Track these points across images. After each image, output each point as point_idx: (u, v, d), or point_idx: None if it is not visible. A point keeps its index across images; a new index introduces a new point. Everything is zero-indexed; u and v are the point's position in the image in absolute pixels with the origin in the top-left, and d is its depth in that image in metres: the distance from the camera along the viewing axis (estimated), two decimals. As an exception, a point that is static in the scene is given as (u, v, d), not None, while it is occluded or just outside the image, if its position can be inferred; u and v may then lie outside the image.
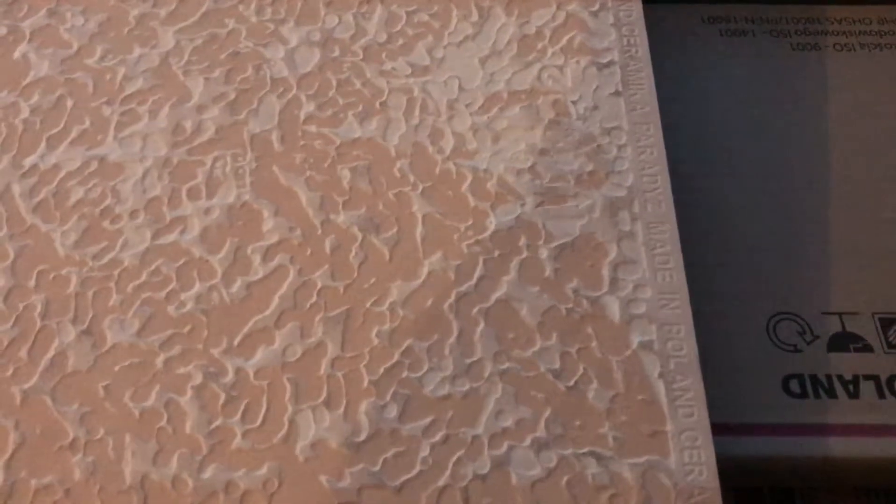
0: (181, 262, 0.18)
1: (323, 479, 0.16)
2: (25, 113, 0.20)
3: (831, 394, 0.19)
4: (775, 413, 0.19)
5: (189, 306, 0.18)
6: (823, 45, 0.25)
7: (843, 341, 0.20)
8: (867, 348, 0.20)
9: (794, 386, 0.19)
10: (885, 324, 0.20)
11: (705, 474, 0.16)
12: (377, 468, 0.16)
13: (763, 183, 0.22)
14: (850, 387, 0.19)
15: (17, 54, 0.21)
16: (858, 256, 0.21)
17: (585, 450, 0.17)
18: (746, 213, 0.22)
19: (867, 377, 0.19)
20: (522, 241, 0.19)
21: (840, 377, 0.19)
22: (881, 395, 0.19)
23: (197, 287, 0.18)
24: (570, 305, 0.18)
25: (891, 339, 0.20)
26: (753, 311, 0.20)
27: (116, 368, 0.17)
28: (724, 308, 0.20)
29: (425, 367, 0.17)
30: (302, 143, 0.20)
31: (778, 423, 0.19)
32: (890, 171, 0.23)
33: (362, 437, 0.17)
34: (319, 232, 0.19)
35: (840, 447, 0.19)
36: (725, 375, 0.20)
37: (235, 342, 0.18)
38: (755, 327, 0.20)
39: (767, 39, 0.25)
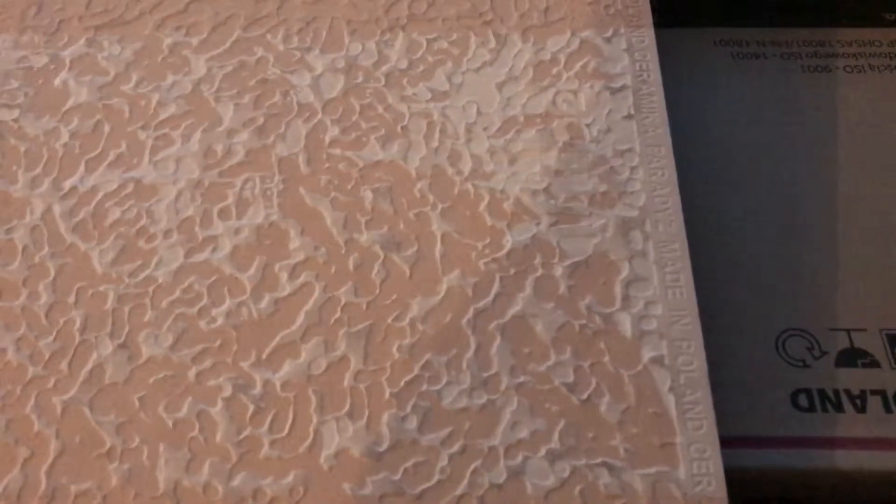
0: (212, 279, 0.19)
1: (346, 486, 0.17)
2: (65, 137, 0.21)
3: (839, 408, 0.20)
4: (784, 426, 0.20)
5: (220, 321, 0.19)
6: (833, 67, 0.25)
7: (850, 357, 0.20)
8: (874, 364, 0.20)
9: (803, 400, 0.20)
10: (892, 340, 0.21)
11: (714, 485, 0.17)
12: (398, 477, 0.17)
13: (773, 202, 0.23)
14: (858, 401, 0.20)
15: (57, 82, 0.22)
16: (866, 274, 0.22)
17: (598, 460, 0.17)
18: (756, 232, 0.22)
19: (874, 392, 0.20)
20: (538, 260, 0.19)
21: (847, 392, 0.20)
22: (888, 410, 0.20)
23: (227, 303, 0.19)
24: (584, 321, 0.19)
25: (898, 354, 0.20)
26: (763, 328, 0.21)
27: (151, 381, 0.18)
28: (734, 324, 0.21)
29: (444, 381, 0.18)
30: (327, 165, 0.21)
31: (787, 435, 0.19)
32: (898, 191, 0.23)
33: (384, 447, 0.17)
34: (343, 250, 0.20)
35: (847, 460, 0.19)
36: (736, 390, 0.20)
37: (263, 356, 0.18)
38: (765, 343, 0.21)
39: (778, 62, 0.26)
